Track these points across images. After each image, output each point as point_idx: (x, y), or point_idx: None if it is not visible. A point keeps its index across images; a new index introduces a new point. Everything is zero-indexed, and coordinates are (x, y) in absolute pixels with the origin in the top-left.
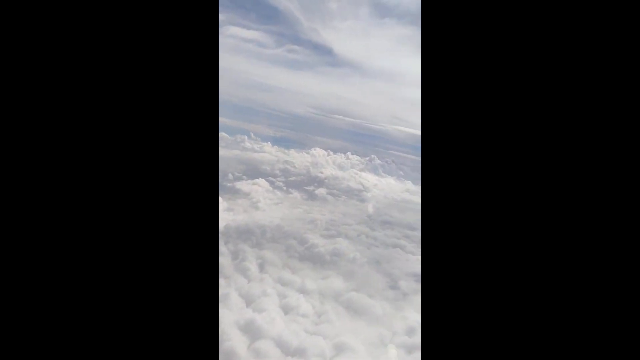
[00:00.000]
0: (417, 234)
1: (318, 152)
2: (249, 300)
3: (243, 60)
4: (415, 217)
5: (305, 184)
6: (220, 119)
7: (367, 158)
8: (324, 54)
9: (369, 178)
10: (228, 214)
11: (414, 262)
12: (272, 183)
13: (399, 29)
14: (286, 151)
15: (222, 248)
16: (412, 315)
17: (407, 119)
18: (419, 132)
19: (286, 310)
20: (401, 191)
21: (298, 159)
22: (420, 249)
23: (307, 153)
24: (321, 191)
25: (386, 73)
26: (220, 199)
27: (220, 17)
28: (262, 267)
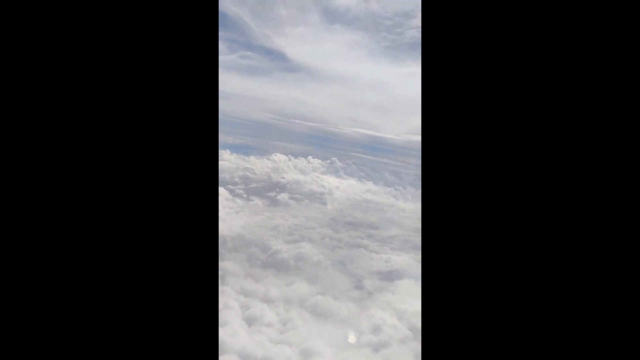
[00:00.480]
0: (380, 233)
1: (279, 157)
2: None
3: None
4: (377, 216)
5: (267, 190)
6: None
7: (328, 161)
8: (278, 60)
9: (331, 180)
10: None
11: (378, 260)
12: (232, 191)
13: (349, 34)
14: (246, 158)
15: None
16: (377, 313)
17: (365, 120)
18: (377, 134)
19: (250, 321)
20: (362, 192)
21: (258, 165)
22: (396, 249)
23: (268, 159)
24: (283, 196)
25: (341, 77)
26: None
27: None
28: (222, 279)
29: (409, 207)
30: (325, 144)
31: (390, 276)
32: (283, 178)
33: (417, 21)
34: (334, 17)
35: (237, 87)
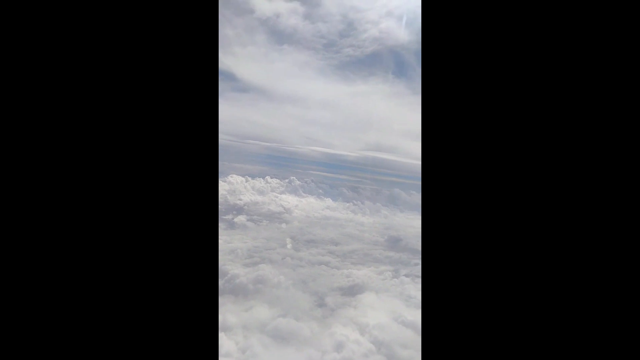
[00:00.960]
0: (340, 249)
1: (235, 179)
2: None
3: None
4: (337, 232)
5: (223, 213)
6: None
7: (287, 180)
8: (229, 80)
9: (290, 200)
10: None
11: (339, 276)
12: None
13: (297, 54)
14: None
15: None
16: (340, 329)
17: (320, 139)
18: (333, 151)
19: None
20: (322, 209)
21: None
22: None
23: (224, 181)
24: (241, 218)
25: (293, 97)
26: None
27: None
28: None
29: (367, 220)
30: (283, 163)
31: (351, 291)
32: (240, 200)
33: (352, 40)
34: (281, 37)
35: None
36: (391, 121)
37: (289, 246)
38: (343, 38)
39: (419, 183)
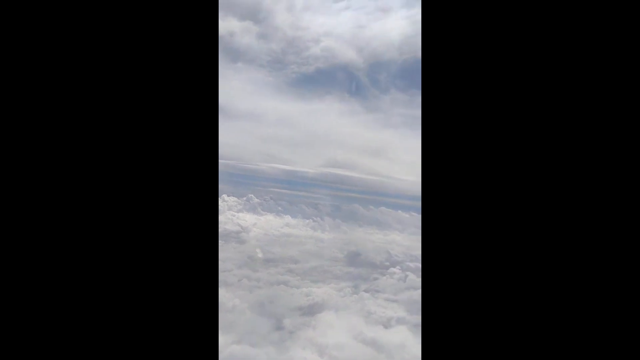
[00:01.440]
0: (300, 267)
1: None
2: None
3: None
4: (296, 249)
5: None
6: None
7: (245, 198)
8: None
9: (247, 218)
10: None
11: (298, 295)
12: None
13: (253, 72)
14: None
15: None
16: (298, 353)
17: (279, 156)
18: (293, 168)
19: None
20: (281, 226)
21: None
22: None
23: None
24: None
25: (250, 114)
26: None
27: None
28: None
29: (327, 237)
30: (242, 181)
31: (311, 310)
32: None
33: (294, 57)
34: (235, 55)
35: None
36: (348, 138)
37: (259, 255)
38: (289, 55)
39: (377, 198)
